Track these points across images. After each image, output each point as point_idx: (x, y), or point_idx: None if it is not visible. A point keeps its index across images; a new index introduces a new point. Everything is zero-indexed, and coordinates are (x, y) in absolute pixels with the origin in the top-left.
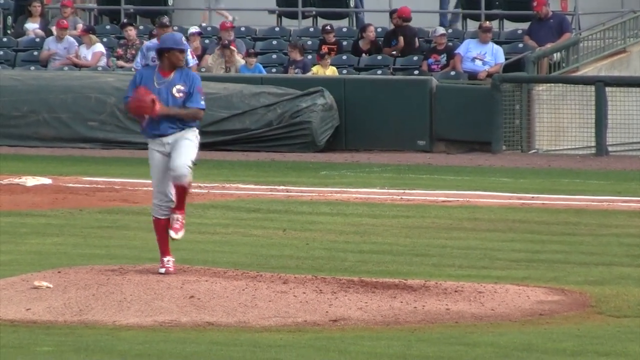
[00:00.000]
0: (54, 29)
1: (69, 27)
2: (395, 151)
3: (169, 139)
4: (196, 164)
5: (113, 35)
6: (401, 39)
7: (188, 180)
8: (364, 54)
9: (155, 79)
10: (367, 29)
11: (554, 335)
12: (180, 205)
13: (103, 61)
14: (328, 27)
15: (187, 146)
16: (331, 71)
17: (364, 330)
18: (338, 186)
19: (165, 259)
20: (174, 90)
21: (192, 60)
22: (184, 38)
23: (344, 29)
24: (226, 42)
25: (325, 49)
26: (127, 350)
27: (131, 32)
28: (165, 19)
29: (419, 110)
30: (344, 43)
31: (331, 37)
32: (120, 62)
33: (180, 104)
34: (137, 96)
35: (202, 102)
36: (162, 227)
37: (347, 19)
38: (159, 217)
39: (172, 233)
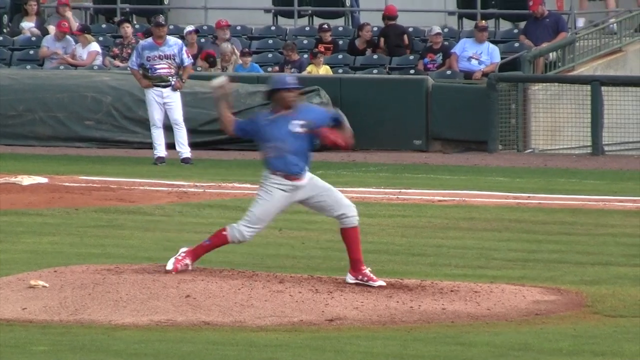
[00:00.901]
0: (50, 27)
1: (69, 29)
2: (392, 150)
3: (303, 182)
4: None
5: (109, 34)
6: (381, 40)
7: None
8: (361, 53)
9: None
10: (364, 28)
11: (550, 335)
12: (359, 255)
13: (99, 60)
14: (325, 26)
15: (335, 190)
16: (325, 70)
17: (360, 329)
18: (334, 185)
19: (185, 260)
20: (298, 128)
21: (187, 60)
22: (177, 39)
23: (340, 28)
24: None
25: (321, 48)
26: (123, 349)
27: (128, 29)
28: (161, 18)
29: (415, 110)
30: (340, 42)
31: (328, 37)
32: (117, 62)
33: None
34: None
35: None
36: (221, 240)
37: (343, 18)
38: (235, 241)
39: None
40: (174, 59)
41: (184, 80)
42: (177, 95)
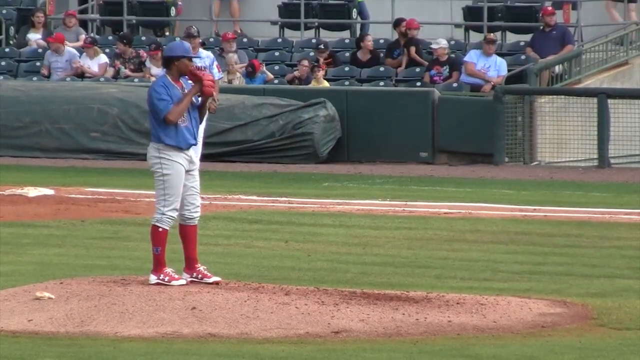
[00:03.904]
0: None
1: (65, 39)
2: (398, 163)
3: (191, 153)
4: None
5: (115, 46)
6: (405, 50)
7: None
8: (363, 65)
9: (179, 91)
10: (365, 38)
11: (556, 348)
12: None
13: (109, 72)
14: (322, 47)
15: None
16: (324, 85)
17: (366, 342)
18: (340, 198)
19: (170, 270)
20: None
21: (217, 74)
22: (209, 52)
23: (347, 41)
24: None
25: (322, 66)
26: None
27: (120, 47)
28: (193, 30)
29: (421, 122)
30: (346, 54)
31: (324, 55)
32: (127, 71)
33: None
34: (210, 81)
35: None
36: (163, 235)
37: (349, 30)
38: (168, 227)
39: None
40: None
41: (217, 99)
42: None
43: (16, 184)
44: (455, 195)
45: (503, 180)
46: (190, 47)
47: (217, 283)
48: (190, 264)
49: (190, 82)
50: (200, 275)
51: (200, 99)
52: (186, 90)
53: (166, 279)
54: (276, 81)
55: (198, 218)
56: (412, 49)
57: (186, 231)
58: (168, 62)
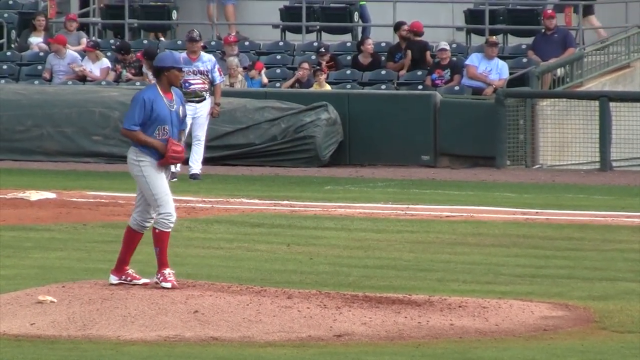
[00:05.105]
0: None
1: (67, 42)
2: (399, 166)
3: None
4: None
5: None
6: (408, 53)
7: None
8: (365, 68)
9: (166, 103)
10: (365, 42)
11: (558, 351)
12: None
13: (111, 76)
14: (322, 50)
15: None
16: (326, 89)
17: (368, 345)
18: (342, 201)
19: (167, 271)
20: (181, 113)
21: (218, 78)
22: (211, 55)
23: (348, 44)
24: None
25: (325, 70)
26: None
27: (118, 56)
28: (195, 34)
29: (422, 125)
30: (348, 58)
31: (325, 59)
32: (129, 75)
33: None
34: (175, 153)
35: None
36: (164, 237)
37: (351, 33)
38: (167, 230)
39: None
40: (208, 75)
41: (218, 103)
42: (206, 111)
43: (18, 188)
44: (457, 199)
45: (505, 184)
46: (180, 58)
47: (146, 284)
48: (120, 267)
49: (182, 91)
50: (129, 278)
51: (183, 121)
52: (174, 101)
53: (168, 281)
54: (278, 84)
55: (149, 228)
56: (427, 53)
57: (134, 237)
58: (158, 73)
